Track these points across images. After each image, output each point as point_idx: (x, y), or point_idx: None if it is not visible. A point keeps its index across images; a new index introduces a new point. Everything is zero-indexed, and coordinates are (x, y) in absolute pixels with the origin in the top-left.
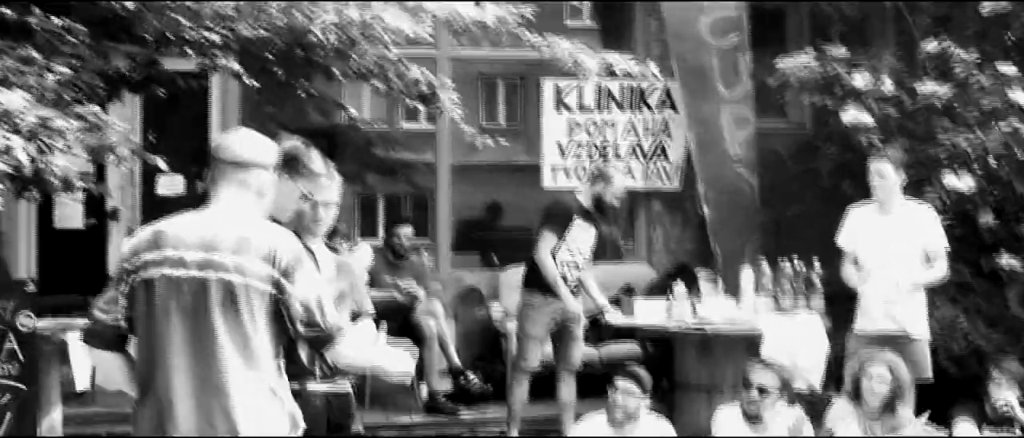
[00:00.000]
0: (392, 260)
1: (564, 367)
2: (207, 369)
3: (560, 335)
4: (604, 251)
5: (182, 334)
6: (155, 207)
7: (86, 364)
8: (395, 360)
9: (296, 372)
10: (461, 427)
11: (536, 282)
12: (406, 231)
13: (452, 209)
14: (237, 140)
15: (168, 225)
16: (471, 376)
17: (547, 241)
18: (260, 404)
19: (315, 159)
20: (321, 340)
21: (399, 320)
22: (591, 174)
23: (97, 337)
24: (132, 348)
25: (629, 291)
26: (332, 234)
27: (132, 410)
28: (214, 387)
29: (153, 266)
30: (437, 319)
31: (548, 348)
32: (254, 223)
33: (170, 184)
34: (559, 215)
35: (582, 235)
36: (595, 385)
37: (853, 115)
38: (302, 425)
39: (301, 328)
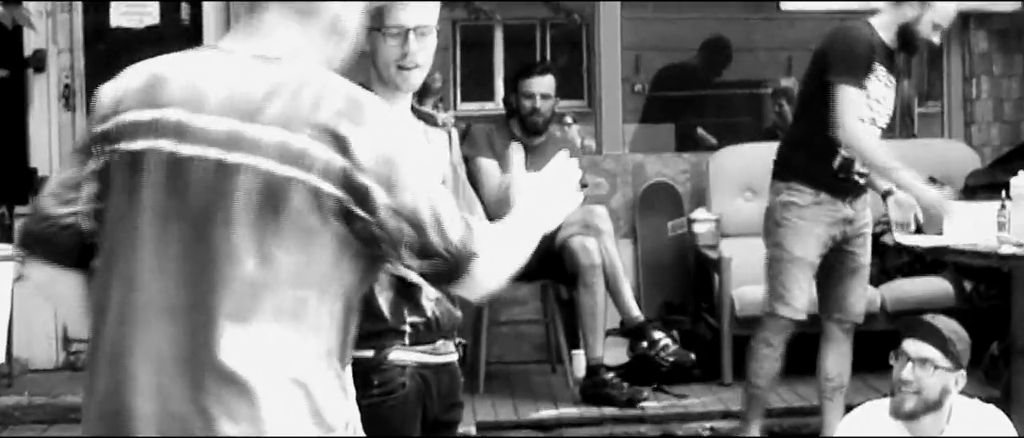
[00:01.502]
0: (520, 136)
1: (836, 316)
2: (205, 321)
3: (833, 261)
4: (892, 120)
5: (177, 254)
6: (110, 48)
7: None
8: (553, 203)
9: (373, 330)
10: (646, 425)
11: (805, 169)
12: (543, 87)
13: (623, 51)
14: None
15: (174, 68)
16: (660, 337)
17: (850, 100)
18: (311, 379)
19: None
20: (443, 275)
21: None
22: None
23: (45, 244)
24: None
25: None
26: (422, 92)
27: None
28: (210, 351)
29: (145, 133)
30: (600, 239)
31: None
32: (317, 79)
33: (136, 10)
34: (857, 55)
35: (882, 90)
36: (872, 350)
37: None
38: (356, 429)
39: (410, 260)
